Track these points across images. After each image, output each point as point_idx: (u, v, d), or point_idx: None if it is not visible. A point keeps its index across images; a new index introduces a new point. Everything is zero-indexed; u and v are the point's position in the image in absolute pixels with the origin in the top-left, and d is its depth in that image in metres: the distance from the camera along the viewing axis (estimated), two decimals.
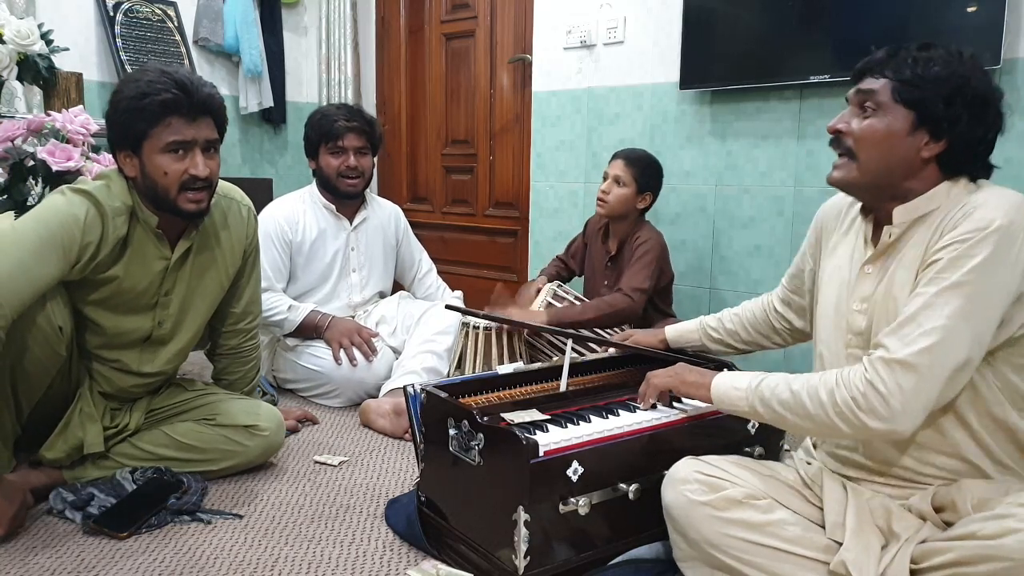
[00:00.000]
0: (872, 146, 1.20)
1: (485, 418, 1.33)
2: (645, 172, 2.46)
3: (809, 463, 1.35)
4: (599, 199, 2.50)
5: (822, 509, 1.23)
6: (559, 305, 2.46)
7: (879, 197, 1.24)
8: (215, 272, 1.80)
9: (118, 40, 3.25)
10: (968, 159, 1.19)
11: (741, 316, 1.65)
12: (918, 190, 1.20)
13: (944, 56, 1.17)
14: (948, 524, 1.14)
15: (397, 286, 2.82)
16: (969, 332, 1.08)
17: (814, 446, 1.38)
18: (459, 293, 2.86)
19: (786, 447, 1.62)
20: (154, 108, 1.55)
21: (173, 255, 1.69)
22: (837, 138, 1.25)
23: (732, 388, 1.27)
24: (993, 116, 1.17)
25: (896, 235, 1.21)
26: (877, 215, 1.27)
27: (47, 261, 1.48)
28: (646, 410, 1.47)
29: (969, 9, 2.05)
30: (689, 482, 1.25)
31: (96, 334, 1.68)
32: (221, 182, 1.78)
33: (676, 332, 1.73)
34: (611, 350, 1.84)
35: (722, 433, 1.49)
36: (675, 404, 1.50)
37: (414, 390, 1.54)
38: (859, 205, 1.31)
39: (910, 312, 1.12)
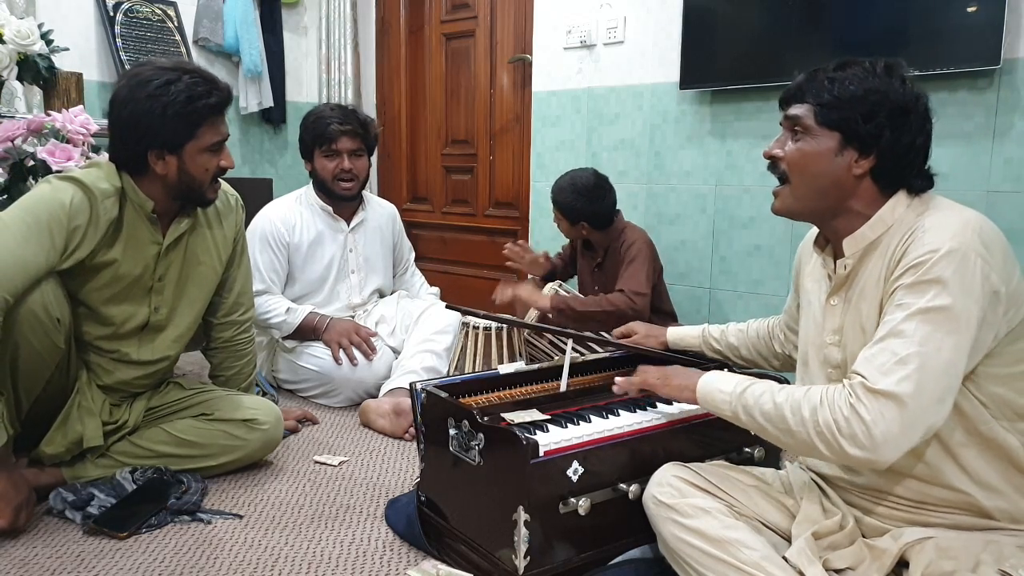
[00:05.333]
0: (803, 169, 1.21)
1: (485, 418, 1.33)
2: (567, 206, 2.46)
3: (802, 469, 1.35)
4: None
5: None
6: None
7: (824, 221, 1.25)
8: (208, 258, 1.83)
9: (118, 40, 3.25)
10: (900, 170, 1.18)
11: (745, 334, 1.65)
12: (860, 211, 1.20)
13: (859, 73, 1.17)
14: None
15: None
16: (943, 358, 1.05)
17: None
18: (436, 290, 2.86)
19: None
20: (205, 112, 1.63)
21: (165, 240, 1.72)
22: (774, 163, 1.26)
23: (718, 390, 1.25)
24: (918, 123, 1.17)
25: (850, 266, 1.21)
26: (833, 247, 1.27)
27: (36, 248, 1.50)
28: (645, 410, 1.47)
29: (969, 9, 2.05)
30: (663, 485, 1.26)
31: (97, 325, 1.69)
32: None
33: (677, 335, 1.72)
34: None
35: (722, 433, 1.49)
36: (674, 403, 1.50)
37: (420, 387, 1.54)
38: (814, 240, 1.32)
39: (880, 340, 1.09)
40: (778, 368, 1.61)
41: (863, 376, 1.08)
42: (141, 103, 1.58)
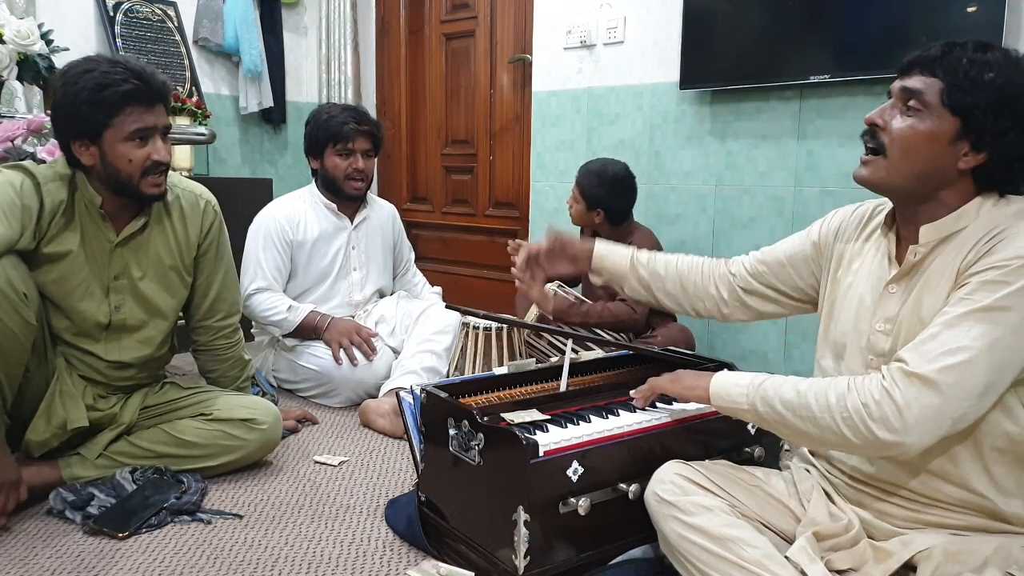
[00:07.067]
0: (908, 148, 1.12)
1: (485, 418, 1.33)
2: (592, 189, 2.45)
3: (808, 470, 1.33)
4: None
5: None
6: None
7: (908, 204, 1.17)
8: (173, 260, 1.82)
9: (118, 40, 3.25)
10: (1006, 175, 1.11)
11: (676, 266, 1.49)
12: (949, 203, 1.13)
13: (1001, 61, 1.08)
14: None
15: None
16: (994, 359, 1.02)
17: (812, 453, 1.36)
18: (438, 289, 2.87)
19: (786, 447, 1.62)
20: (116, 99, 1.59)
21: (118, 237, 1.72)
22: (871, 131, 1.16)
23: (733, 385, 1.23)
24: None
25: (922, 254, 1.14)
26: (900, 231, 1.21)
27: None
28: (644, 410, 1.47)
29: (969, 9, 2.05)
30: (665, 482, 1.25)
31: (62, 317, 1.69)
32: (190, 181, 1.90)
33: (606, 249, 1.52)
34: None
35: (722, 433, 1.49)
36: (674, 403, 1.50)
37: (412, 394, 1.54)
38: (879, 219, 1.26)
39: (932, 331, 1.05)
40: (699, 312, 1.48)
41: (904, 361, 1.05)
42: (58, 91, 1.61)
